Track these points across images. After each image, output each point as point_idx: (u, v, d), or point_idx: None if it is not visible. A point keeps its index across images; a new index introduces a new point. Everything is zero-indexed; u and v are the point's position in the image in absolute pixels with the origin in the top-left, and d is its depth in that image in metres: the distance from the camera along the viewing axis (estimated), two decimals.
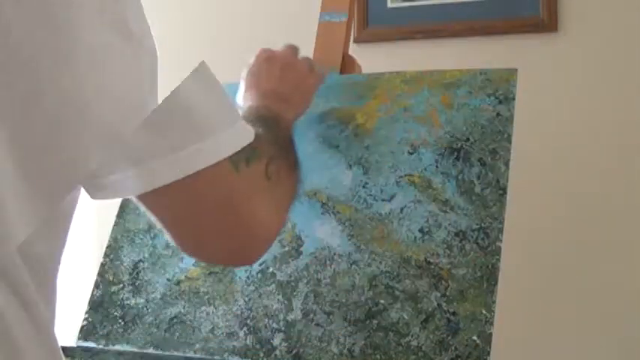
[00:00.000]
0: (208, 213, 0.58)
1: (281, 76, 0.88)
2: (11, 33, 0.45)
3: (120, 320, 0.90)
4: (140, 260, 0.94)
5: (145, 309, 0.90)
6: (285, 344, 0.83)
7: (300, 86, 0.90)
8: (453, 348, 0.76)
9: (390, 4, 1.59)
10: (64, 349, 0.88)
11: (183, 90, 0.55)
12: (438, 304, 0.79)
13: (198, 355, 0.85)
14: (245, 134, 0.60)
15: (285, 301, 0.86)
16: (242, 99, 0.86)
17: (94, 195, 0.56)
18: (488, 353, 0.75)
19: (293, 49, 0.94)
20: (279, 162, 0.66)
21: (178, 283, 0.91)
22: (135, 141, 0.52)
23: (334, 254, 0.86)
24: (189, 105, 0.55)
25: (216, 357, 0.84)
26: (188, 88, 0.56)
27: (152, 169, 0.53)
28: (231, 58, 1.73)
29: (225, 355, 0.84)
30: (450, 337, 0.77)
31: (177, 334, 0.87)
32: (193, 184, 0.55)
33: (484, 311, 0.77)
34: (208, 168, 0.55)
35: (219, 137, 0.56)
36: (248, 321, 0.86)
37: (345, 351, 0.80)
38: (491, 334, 0.76)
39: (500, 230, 0.81)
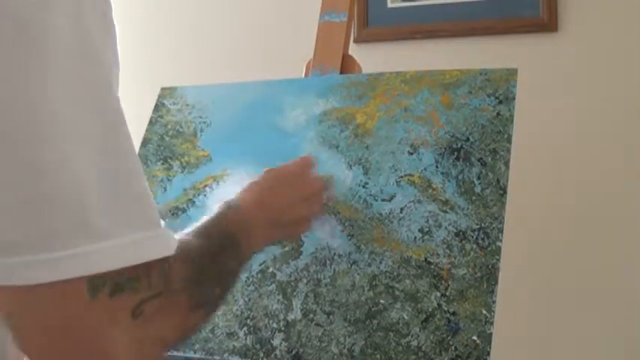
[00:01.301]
0: (47, 332, 0.47)
1: (279, 194, 0.79)
2: None
3: None
4: None
5: None
6: (285, 344, 0.83)
7: (295, 212, 0.81)
8: (453, 348, 0.76)
9: (390, 4, 1.59)
10: None
11: (81, 181, 0.46)
12: (438, 304, 0.79)
13: (198, 355, 0.85)
14: (112, 259, 0.47)
15: (285, 301, 0.86)
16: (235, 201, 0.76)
17: None
18: (488, 353, 0.75)
19: (306, 163, 0.86)
20: (170, 300, 0.53)
21: None
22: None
23: (334, 254, 0.86)
24: (78, 199, 0.46)
25: (216, 357, 0.84)
26: (88, 180, 0.46)
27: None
28: (230, 59, 1.73)
29: (225, 355, 0.84)
30: (450, 337, 0.77)
31: None
32: (39, 294, 0.45)
33: (484, 311, 0.77)
34: (55, 285, 0.45)
35: (65, 253, 0.45)
36: (248, 321, 0.86)
37: (345, 351, 0.80)
38: (491, 334, 0.76)
39: (500, 230, 0.81)
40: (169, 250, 0.51)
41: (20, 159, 0.44)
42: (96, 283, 0.46)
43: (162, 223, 0.52)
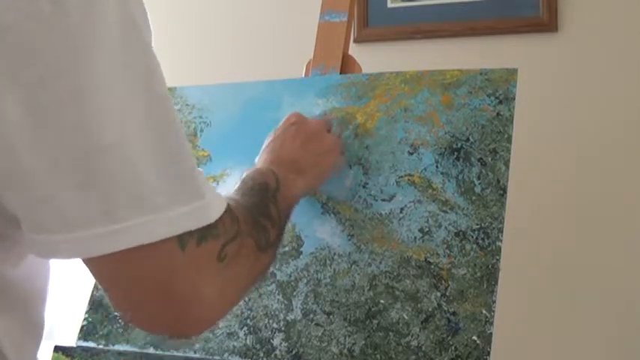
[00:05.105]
0: (144, 286, 0.54)
1: (303, 146, 0.84)
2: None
3: (120, 320, 0.90)
4: None
5: None
6: (285, 344, 0.83)
7: (320, 161, 0.86)
8: (453, 348, 0.76)
9: (390, 4, 1.59)
10: (64, 349, 0.89)
11: (138, 158, 0.51)
12: (438, 304, 0.79)
13: (198, 355, 0.85)
14: (200, 216, 0.55)
15: (285, 301, 0.86)
16: (259, 158, 0.83)
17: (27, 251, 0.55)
18: (488, 353, 0.75)
19: (326, 122, 0.91)
20: (242, 242, 0.61)
21: None
22: (72, 202, 0.50)
23: (334, 254, 0.86)
24: (139, 174, 0.51)
25: (216, 357, 0.84)
26: (144, 158, 0.52)
27: (84, 238, 0.50)
28: (230, 59, 1.73)
29: (225, 355, 0.84)
30: (450, 337, 0.77)
31: None
32: (130, 256, 0.51)
33: (484, 311, 0.77)
34: (150, 243, 0.51)
35: (165, 215, 0.52)
36: (248, 321, 0.86)
37: (345, 351, 0.80)
38: (491, 334, 0.76)
39: (500, 230, 0.81)
40: (223, 207, 0.58)
41: (87, 141, 0.49)
42: (183, 236, 0.53)
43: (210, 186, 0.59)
